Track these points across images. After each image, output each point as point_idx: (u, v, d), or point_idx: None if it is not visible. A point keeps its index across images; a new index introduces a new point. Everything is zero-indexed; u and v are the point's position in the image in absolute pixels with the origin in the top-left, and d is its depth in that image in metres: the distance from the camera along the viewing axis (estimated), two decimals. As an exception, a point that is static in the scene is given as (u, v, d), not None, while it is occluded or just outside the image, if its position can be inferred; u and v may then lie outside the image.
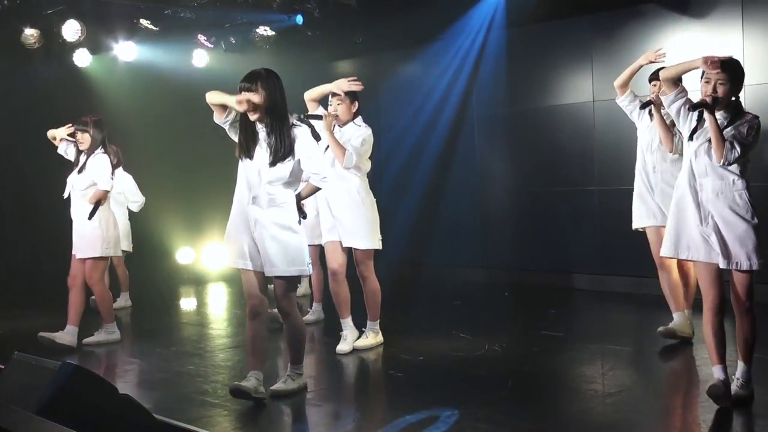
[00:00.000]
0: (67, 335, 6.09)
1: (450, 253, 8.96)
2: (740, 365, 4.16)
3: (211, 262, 9.13)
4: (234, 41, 8.94)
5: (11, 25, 7.84)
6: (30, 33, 7.89)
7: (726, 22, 6.93)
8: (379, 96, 9.47)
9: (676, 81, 4.20)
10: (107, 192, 6.23)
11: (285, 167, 4.37)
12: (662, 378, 5.05)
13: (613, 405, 4.36)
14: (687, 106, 4.16)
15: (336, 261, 5.60)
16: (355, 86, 5.49)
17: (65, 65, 8.56)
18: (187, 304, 8.43)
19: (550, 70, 8.11)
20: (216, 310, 7.96)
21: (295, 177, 4.44)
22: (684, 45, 7.12)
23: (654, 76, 5.66)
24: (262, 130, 4.42)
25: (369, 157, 5.65)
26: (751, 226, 4.02)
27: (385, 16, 8.45)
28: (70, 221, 6.56)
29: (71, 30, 7.88)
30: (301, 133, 4.42)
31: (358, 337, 5.65)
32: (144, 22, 8.37)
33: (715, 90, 4.02)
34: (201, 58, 9.11)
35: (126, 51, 8.63)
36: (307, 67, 9.45)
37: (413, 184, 9.19)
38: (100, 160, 6.20)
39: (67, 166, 7.50)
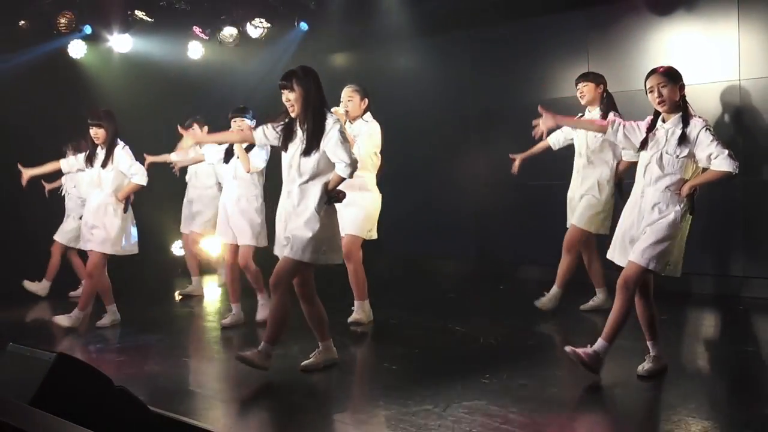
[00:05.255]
0: (108, 317, 6.47)
1: (445, 246, 8.96)
2: (601, 341, 4.54)
3: (206, 254, 9.12)
4: (229, 33, 8.91)
5: (6, 16, 7.81)
6: (27, 24, 7.88)
7: (722, 16, 6.92)
8: (376, 89, 9.43)
9: (601, 124, 4.79)
10: (141, 186, 6.29)
11: (313, 159, 4.60)
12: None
13: (608, 397, 4.37)
14: (626, 126, 4.59)
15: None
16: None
17: (60, 56, 8.53)
18: (179, 296, 8.41)
19: (546, 65, 8.11)
20: (211, 303, 7.95)
21: (322, 169, 4.63)
22: (679, 39, 7.13)
23: (579, 79, 6.33)
24: (299, 126, 4.67)
25: (379, 153, 6.04)
26: (669, 232, 4.32)
27: (381, 9, 8.44)
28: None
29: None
30: (329, 125, 4.62)
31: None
32: (139, 14, 8.34)
33: (660, 94, 4.35)
34: (196, 49, 9.08)
35: (121, 42, 8.60)
36: (303, 59, 9.42)
37: (409, 176, 9.18)
38: (126, 154, 6.23)
39: (65, 155, 7.45)
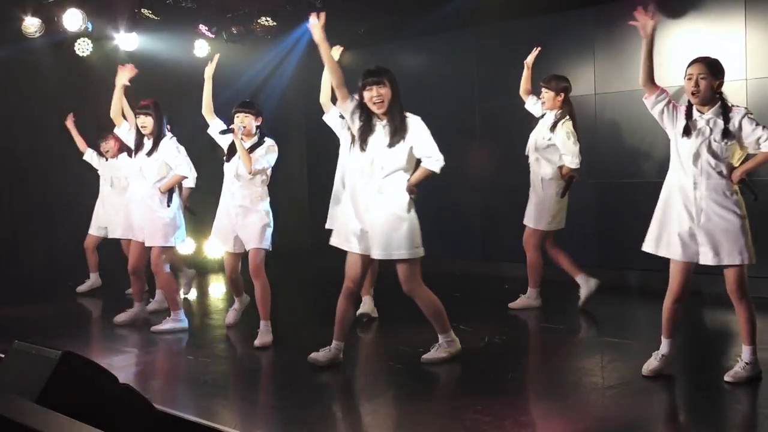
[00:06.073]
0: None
1: (450, 245, 8.95)
2: (744, 348, 4.35)
3: (212, 252, 9.14)
4: (235, 31, 8.92)
5: (12, 13, 7.81)
6: (31, 23, 7.87)
7: (729, 15, 6.90)
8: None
9: (653, 82, 4.47)
10: (184, 178, 6.20)
11: (400, 153, 4.68)
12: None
13: (613, 398, 4.36)
14: (671, 106, 4.43)
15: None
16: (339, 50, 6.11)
17: (66, 54, 8.54)
18: (188, 293, 8.42)
19: (552, 63, 8.08)
20: (216, 300, 7.96)
21: (408, 164, 4.73)
22: (686, 38, 7.10)
23: (542, 83, 6.52)
24: (379, 122, 4.72)
25: None
26: (741, 223, 4.26)
27: (387, 6, 8.43)
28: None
29: (73, 19, 7.89)
30: (413, 122, 4.73)
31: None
32: (145, 12, 8.34)
33: (697, 85, 4.29)
34: (202, 48, 9.08)
35: (127, 40, 8.60)
36: (309, 58, 9.42)
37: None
38: (172, 145, 6.13)
39: (68, 157, 7.44)
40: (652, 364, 4.51)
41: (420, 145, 4.72)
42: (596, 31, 7.81)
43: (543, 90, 6.51)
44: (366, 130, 4.75)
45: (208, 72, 5.93)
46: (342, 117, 6.05)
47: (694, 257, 4.31)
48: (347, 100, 4.79)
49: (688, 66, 4.37)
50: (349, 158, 6.11)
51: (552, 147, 6.44)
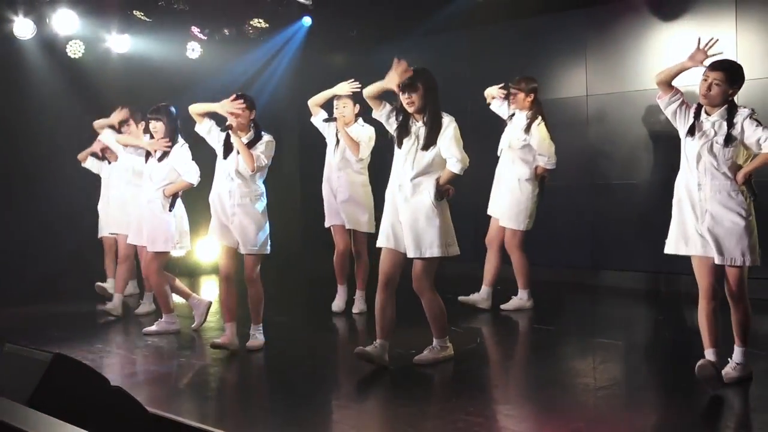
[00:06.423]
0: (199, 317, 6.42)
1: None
2: (736, 349, 4.34)
3: (204, 255, 9.13)
4: (227, 33, 8.91)
5: (3, 14, 7.79)
6: (23, 24, 7.84)
7: (719, 16, 6.93)
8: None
9: (670, 84, 4.43)
10: (191, 185, 6.16)
11: (429, 155, 4.77)
12: (653, 371, 5.07)
13: (604, 398, 4.37)
14: (684, 106, 4.40)
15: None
16: (355, 87, 6.11)
17: (58, 56, 8.51)
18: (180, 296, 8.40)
19: (544, 64, 8.11)
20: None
21: (436, 165, 4.81)
22: (677, 40, 7.13)
23: (513, 84, 6.57)
24: (414, 123, 4.81)
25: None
26: (746, 223, 4.22)
27: (379, 8, 8.44)
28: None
29: (65, 21, 7.88)
30: (445, 122, 4.80)
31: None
32: (137, 13, 8.32)
33: (709, 89, 4.26)
34: (194, 49, 9.07)
35: (119, 42, 8.59)
36: (301, 59, 9.43)
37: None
38: (184, 152, 6.12)
39: (61, 159, 7.42)
40: (730, 371, 4.32)
41: (444, 145, 4.78)
42: (588, 33, 7.83)
43: (512, 91, 6.56)
44: (402, 132, 4.86)
45: (223, 109, 5.45)
46: (326, 120, 6.45)
47: (711, 252, 4.24)
48: (380, 107, 4.92)
49: (708, 67, 4.31)
50: (331, 156, 6.61)
51: (527, 147, 6.49)
